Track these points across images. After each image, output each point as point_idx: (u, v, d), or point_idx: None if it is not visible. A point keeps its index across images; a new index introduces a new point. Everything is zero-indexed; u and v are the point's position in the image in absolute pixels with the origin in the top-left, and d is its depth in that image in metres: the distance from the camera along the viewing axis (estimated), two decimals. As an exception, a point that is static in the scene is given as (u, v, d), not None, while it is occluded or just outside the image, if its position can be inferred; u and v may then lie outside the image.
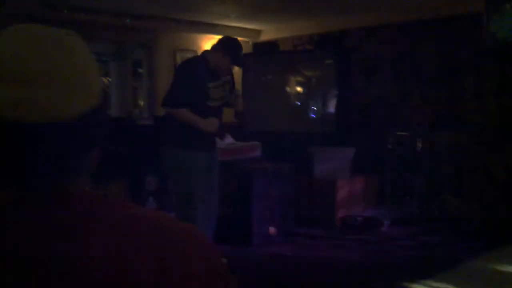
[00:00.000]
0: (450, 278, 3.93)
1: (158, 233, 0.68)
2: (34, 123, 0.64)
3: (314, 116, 6.68)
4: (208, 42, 6.93)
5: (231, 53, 3.90)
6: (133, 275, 0.63)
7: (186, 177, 3.96)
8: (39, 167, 0.66)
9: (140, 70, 6.91)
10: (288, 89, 6.87)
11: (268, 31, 7.20)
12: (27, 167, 0.66)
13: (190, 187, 3.94)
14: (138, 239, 0.66)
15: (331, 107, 6.48)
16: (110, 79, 7.02)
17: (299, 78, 6.83)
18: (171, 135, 3.97)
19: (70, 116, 0.66)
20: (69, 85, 0.66)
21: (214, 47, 4.00)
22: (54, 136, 0.66)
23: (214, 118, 3.94)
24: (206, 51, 4.12)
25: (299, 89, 6.83)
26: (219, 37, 7.04)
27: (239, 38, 4.27)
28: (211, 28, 6.74)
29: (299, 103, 6.84)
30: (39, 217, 0.66)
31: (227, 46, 3.94)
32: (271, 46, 6.99)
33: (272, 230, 5.18)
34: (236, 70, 4.56)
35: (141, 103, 7.11)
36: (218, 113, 4.05)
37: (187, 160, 3.93)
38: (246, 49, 5.94)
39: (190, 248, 0.69)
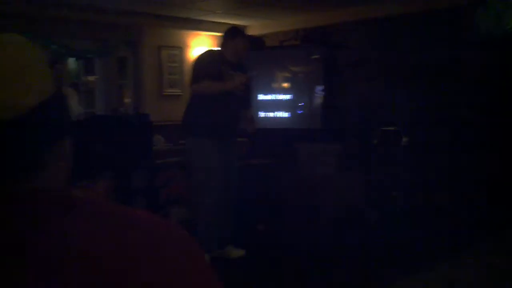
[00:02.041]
0: (437, 272, 3.96)
1: (132, 232, 0.67)
2: None
3: (301, 112, 6.68)
4: (194, 38, 6.90)
5: (238, 34, 4.19)
6: (109, 274, 0.62)
7: (193, 165, 4.08)
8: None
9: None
10: (274, 85, 6.86)
11: (254, 27, 7.18)
12: None
13: (198, 175, 3.99)
14: (112, 238, 0.65)
15: (318, 103, 6.49)
16: (95, 77, 6.97)
17: (286, 74, 6.82)
18: (185, 123, 4.14)
19: (11, 113, 0.64)
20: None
21: (222, 41, 4.26)
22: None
23: (238, 75, 4.06)
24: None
25: (285, 85, 6.83)
26: (205, 33, 6.98)
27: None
28: (196, 25, 6.72)
29: (285, 99, 6.83)
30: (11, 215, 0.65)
31: (230, 31, 4.23)
32: (257, 42, 6.97)
33: (261, 227, 5.19)
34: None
35: (127, 100, 7.06)
36: (235, 104, 4.13)
37: (194, 147, 3.98)
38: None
39: (167, 247, 0.68)
